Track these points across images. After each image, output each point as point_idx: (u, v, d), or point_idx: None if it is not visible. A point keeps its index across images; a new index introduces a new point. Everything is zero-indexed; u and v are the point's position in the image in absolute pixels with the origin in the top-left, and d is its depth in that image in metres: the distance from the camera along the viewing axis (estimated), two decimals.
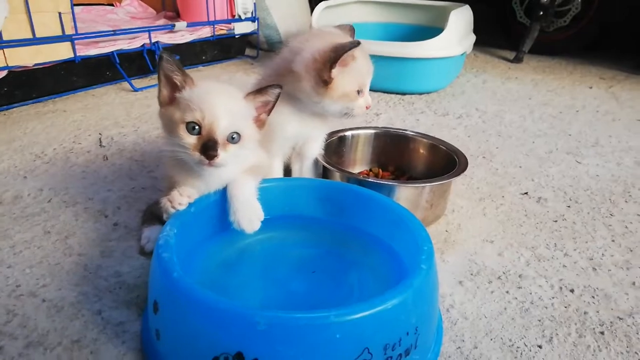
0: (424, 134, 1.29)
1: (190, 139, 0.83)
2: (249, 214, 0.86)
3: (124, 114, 1.81)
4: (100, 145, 1.53)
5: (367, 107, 1.04)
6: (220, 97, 0.83)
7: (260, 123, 0.90)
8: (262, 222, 0.93)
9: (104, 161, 1.42)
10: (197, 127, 0.81)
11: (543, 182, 1.43)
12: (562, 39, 3.26)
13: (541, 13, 3.05)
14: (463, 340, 0.82)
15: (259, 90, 0.87)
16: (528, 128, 1.90)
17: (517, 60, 3.10)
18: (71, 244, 1.04)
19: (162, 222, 1.04)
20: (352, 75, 0.99)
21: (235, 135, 0.83)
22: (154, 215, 1.07)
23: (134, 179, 1.33)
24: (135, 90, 2.09)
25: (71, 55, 1.91)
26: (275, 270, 0.90)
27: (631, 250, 1.10)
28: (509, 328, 0.85)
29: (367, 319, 0.63)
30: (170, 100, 0.86)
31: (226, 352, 0.62)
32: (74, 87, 2.01)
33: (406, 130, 1.33)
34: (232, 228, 0.90)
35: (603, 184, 1.44)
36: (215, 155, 0.81)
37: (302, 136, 1.08)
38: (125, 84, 2.13)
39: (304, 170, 1.15)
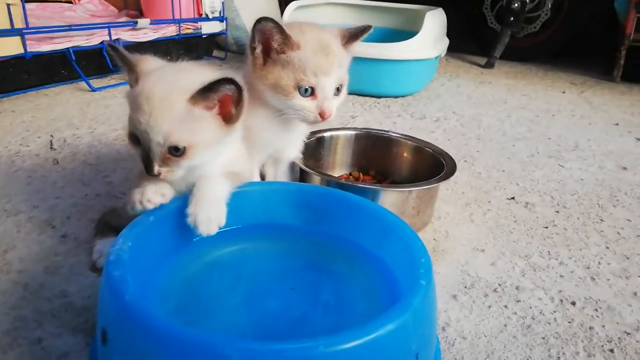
0: (408, 136, 1.20)
1: (136, 150, 0.73)
2: (209, 213, 0.73)
3: (79, 115, 1.66)
4: (51, 148, 1.38)
5: (321, 115, 0.87)
6: (155, 102, 0.68)
7: (227, 116, 0.74)
8: (234, 231, 0.83)
9: (53, 165, 1.28)
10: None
11: (528, 187, 1.37)
12: (532, 45, 3.27)
13: (512, 19, 3.05)
14: None
15: (208, 88, 0.69)
16: (507, 131, 1.85)
17: (489, 65, 3.09)
18: (10, 259, 0.90)
19: (118, 233, 0.92)
20: (290, 65, 0.85)
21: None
22: (108, 226, 0.95)
23: (87, 185, 1.19)
24: (93, 90, 1.93)
25: (21, 50, 1.75)
26: (249, 287, 0.79)
27: (627, 258, 1.04)
28: (511, 348, 0.76)
29: (362, 348, 0.52)
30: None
31: None
32: (25, 85, 1.84)
33: (388, 131, 1.24)
34: (197, 240, 0.79)
35: (589, 188, 1.39)
36: (153, 175, 0.71)
37: (280, 141, 0.97)
38: (82, 84, 1.98)
39: (278, 174, 1.04)
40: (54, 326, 0.75)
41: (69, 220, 1.04)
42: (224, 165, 0.80)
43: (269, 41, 0.84)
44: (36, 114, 1.64)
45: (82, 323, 0.76)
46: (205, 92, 0.69)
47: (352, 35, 0.92)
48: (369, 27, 0.94)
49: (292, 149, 1.02)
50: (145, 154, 0.70)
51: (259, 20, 0.82)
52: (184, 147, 0.70)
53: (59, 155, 1.33)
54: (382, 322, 0.55)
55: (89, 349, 0.70)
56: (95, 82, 2.01)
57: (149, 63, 0.75)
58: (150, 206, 0.72)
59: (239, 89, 0.71)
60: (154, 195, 0.72)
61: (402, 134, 1.22)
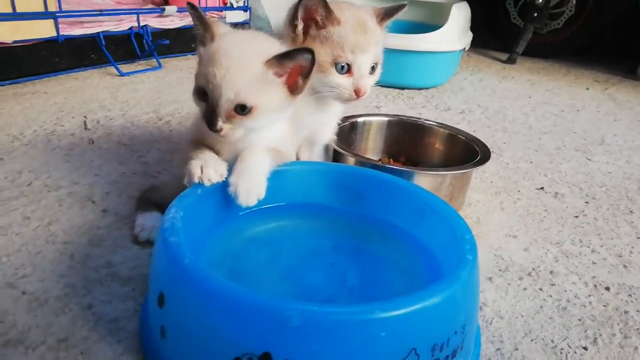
0: (441, 123, 1.21)
1: (200, 105, 0.76)
2: (250, 185, 0.75)
3: (110, 98, 1.69)
4: (85, 128, 1.41)
5: (356, 92, 0.87)
6: (234, 59, 0.72)
7: (293, 87, 0.77)
8: (273, 209, 0.85)
9: (89, 145, 1.31)
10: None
11: (557, 178, 1.37)
12: (555, 42, 3.24)
13: (535, 15, 3.03)
14: (502, 342, 0.73)
15: (286, 55, 0.73)
16: (532, 125, 1.84)
17: (511, 61, 3.07)
18: (54, 230, 0.93)
19: (159, 209, 0.95)
20: (329, 41, 0.85)
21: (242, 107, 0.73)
22: (149, 202, 0.97)
23: (124, 164, 1.21)
24: (122, 74, 1.96)
25: (54, 34, 1.78)
26: (289, 262, 0.81)
27: None
28: (548, 328, 0.77)
29: (416, 315, 0.54)
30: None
31: (250, 353, 0.52)
32: (56, 68, 1.87)
33: (420, 118, 1.25)
34: (239, 215, 0.82)
35: (617, 181, 1.39)
36: (216, 130, 0.73)
37: (317, 122, 0.98)
38: (111, 69, 2.00)
39: (313, 156, 1.06)
40: (102, 293, 0.77)
41: (109, 195, 1.06)
42: (271, 141, 0.82)
43: (313, 16, 0.85)
44: (68, 96, 1.67)
45: (130, 291, 0.78)
46: (282, 58, 0.72)
47: (387, 13, 0.94)
48: (403, 5, 0.95)
49: (326, 130, 1.03)
50: (212, 109, 0.72)
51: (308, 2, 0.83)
52: (251, 107, 0.73)
53: (93, 135, 1.36)
54: (434, 291, 0.56)
55: (139, 315, 0.72)
56: (123, 67, 2.03)
57: (222, 26, 0.78)
58: (208, 184, 0.74)
59: (313, 60, 0.73)
60: (214, 174, 0.74)
61: (435, 121, 1.23)
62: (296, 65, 0.74)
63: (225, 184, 0.78)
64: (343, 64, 0.87)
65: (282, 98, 0.77)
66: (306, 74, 0.76)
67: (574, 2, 3.06)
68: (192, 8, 0.76)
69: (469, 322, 0.61)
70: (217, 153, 0.81)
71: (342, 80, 0.87)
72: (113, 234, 0.93)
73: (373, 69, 0.91)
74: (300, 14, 0.85)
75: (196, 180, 0.74)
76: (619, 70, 2.99)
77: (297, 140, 1.01)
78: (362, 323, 0.52)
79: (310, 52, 0.73)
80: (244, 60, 0.73)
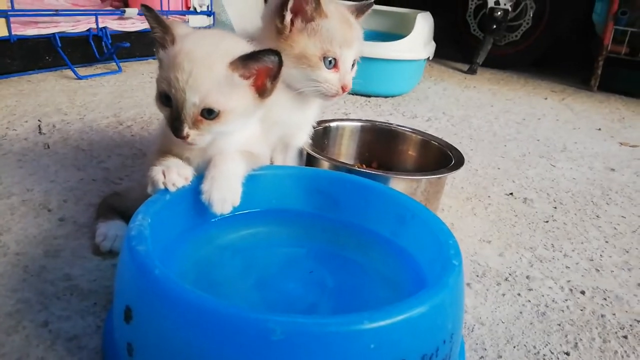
0: (414, 129, 1.20)
1: (164, 111, 0.72)
2: (224, 192, 0.71)
3: (66, 101, 1.60)
4: (39, 132, 1.33)
5: (342, 88, 0.86)
6: (196, 62, 0.68)
7: (261, 89, 0.73)
8: (246, 215, 0.81)
9: (44, 149, 1.22)
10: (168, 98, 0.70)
11: (524, 184, 1.38)
12: (513, 53, 3.34)
13: (494, 27, 3.11)
14: (485, 349, 0.72)
15: (251, 56, 0.70)
16: (497, 132, 1.87)
17: (472, 71, 3.14)
18: (6, 241, 0.85)
19: (123, 217, 0.89)
20: (317, 35, 0.83)
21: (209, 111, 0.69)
22: (111, 209, 0.91)
23: (82, 170, 1.14)
24: (80, 77, 1.87)
25: (6, 33, 1.68)
26: (264, 270, 0.76)
27: (627, 252, 1.06)
28: (529, 334, 0.76)
29: (405, 324, 0.51)
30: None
31: None
32: (8, 70, 1.77)
33: (392, 124, 1.24)
34: (210, 222, 0.77)
35: (581, 186, 1.42)
36: (182, 136, 0.69)
37: (292, 123, 0.95)
38: (68, 72, 1.91)
39: (287, 160, 1.02)
40: (60, 309, 0.71)
41: (66, 203, 0.99)
42: (242, 144, 0.78)
43: (302, 7, 0.82)
44: (21, 99, 1.57)
45: (91, 306, 0.72)
46: (247, 60, 0.69)
47: (359, 10, 0.93)
48: (372, 3, 0.94)
49: (302, 132, 1.00)
50: (176, 115, 0.68)
51: None
52: (218, 111, 0.69)
53: (49, 140, 1.28)
54: (423, 299, 0.54)
55: (101, 331, 0.66)
56: (81, 70, 1.94)
57: (182, 27, 0.74)
58: (173, 189, 0.69)
59: (280, 62, 0.70)
60: (178, 178, 0.70)
61: (408, 127, 1.22)
62: (263, 67, 0.71)
63: (195, 189, 0.74)
64: (331, 59, 0.85)
65: (250, 101, 0.73)
66: (274, 75, 0.73)
67: (531, 15, 3.17)
68: (147, 10, 0.70)
69: (456, 330, 0.59)
70: (187, 162, 0.77)
71: (330, 76, 0.85)
72: (71, 244, 0.86)
73: (352, 65, 0.89)
74: (290, 5, 0.82)
75: (161, 186, 0.69)
76: (574, 81, 3.10)
77: (272, 143, 0.98)
78: (350, 334, 0.49)
79: (277, 54, 0.70)
80: (207, 62, 0.69)
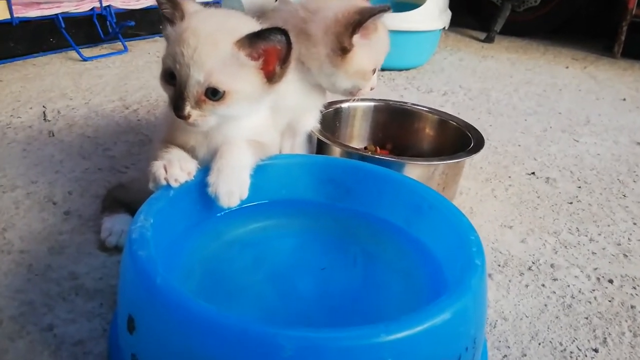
0: (430, 108, 1.14)
1: (168, 90, 0.68)
2: (231, 184, 0.67)
3: (71, 85, 1.57)
4: (44, 119, 1.30)
5: (371, 89, 0.89)
6: (202, 38, 0.64)
7: (271, 74, 0.69)
8: (255, 207, 0.77)
9: (49, 137, 1.20)
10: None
11: (547, 162, 1.32)
12: (532, 20, 3.20)
13: None
14: (508, 347, 0.68)
15: (257, 34, 0.65)
16: (517, 106, 1.80)
17: (489, 40, 3.02)
18: (10, 238, 0.83)
19: (128, 210, 0.86)
20: (373, 50, 0.83)
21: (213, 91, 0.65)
22: (116, 202, 0.88)
23: (87, 159, 1.11)
24: (84, 59, 1.83)
25: (7, 16, 1.64)
26: (274, 268, 0.73)
27: None
28: (555, 329, 0.72)
29: (425, 335, 0.47)
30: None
31: None
32: (12, 54, 1.73)
33: (407, 103, 1.18)
34: (217, 217, 0.74)
35: (606, 163, 1.35)
36: (183, 115, 0.65)
37: (300, 108, 0.90)
38: (72, 53, 1.87)
39: (295, 147, 0.98)
40: (65, 311, 0.68)
41: (71, 195, 0.96)
42: (251, 132, 0.74)
43: (369, 26, 0.80)
44: (25, 84, 1.54)
45: (97, 307, 0.70)
46: (253, 39, 0.65)
47: None
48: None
49: (310, 117, 0.95)
50: (179, 93, 0.65)
51: (371, 12, 0.78)
52: (223, 92, 0.65)
53: (54, 127, 1.25)
54: (444, 305, 0.50)
55: (107, 335, 0.64)
56: (86, 52, 1.90)
57: (191, 4, 0.70)
58: (176, 185, 0.66)
59: (288, 43, 0.66)
60: (180, 173, 0.66)
61: (423, 106, 1.16)
62: (270, 48, 0.67)
63: (200, 182, 0.70)
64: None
65: (257, 85, 0.69)
66: (283, 59, 0.68)
67: None
68: None
69: (479, 334, 0.56)
70: (192, 151, 0.73)
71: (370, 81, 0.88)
72: (76, 239, 0.84)
73: None
74: (367, 23, 0.79)
75: (162, 182, 0.65)
76: (596, 48, 2.97)
77: (280, 127, 0.94)
78: (365, 348, 0.45)
79: (284, 32, 0.65)
80: (212, 39, 0.65)
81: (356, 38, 0.79)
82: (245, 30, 0.66)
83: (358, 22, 0.77)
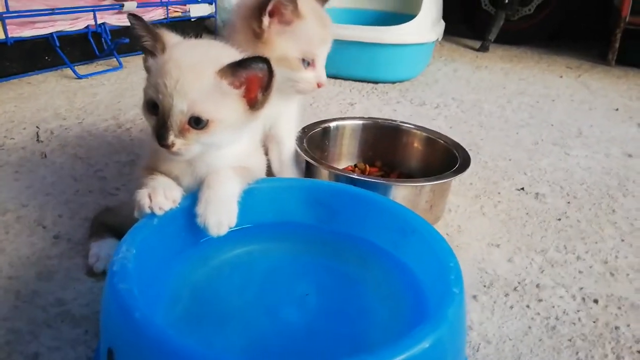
0: (419, 126, 1.15)
1: (151, 120, 0.69)
2: (220, 214, 0.69)
3: (65, 104, 1.58)
4: (37, 140, 1.31)
5: (318, 85, 0.87)
6: (184, 69, 0.65)
7: (253, 101, 0.70)
8: (241, 232, 0.78)
9: (41, 159, 1.21)
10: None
11: (536, 176, 1.33)
12: (526, 28, 3.22)
13: (506, 1, 2.99)
14: None
15: (239, 63, 0.67)
16: (509, 118, 1.81)
17: (484, 49, 3.04)
18: None
19: (115, 234, 0.87)
20: (295, 37, 0.83)
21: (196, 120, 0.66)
22: (104, 226, 0.89)
23: (79, 180, 1.12)
24: (79, 77, 1.84)
25: (2, 36, 1.65)
26: (261, 292, 0.74)
27: None
28: (538, 352, 0.73)
29: None
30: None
31: None
32: (6, 73, 1.74)
33: (395, 120, 1.19)
34: (202, 241, 0.74)
35: (597, 177, 1.36)
36: (167, 144, 0.66)
37: (272, 114, 0.92)
38: (67, 71, 1.88)
39: (283, 157, 0.99)
40: (50, 338, 0.69)
41: (61, 219, 0.97)
42: (235, 159, 0.75)
43: (280, 10, 0.81)
44: (20, 104, 1.55)
45: (82, 334, 0.70)
46: (235, 67, 0.66)
47: None
48: None
49: (287, 122, 0.98)
50: (162, 122, 0.66)
51: None
52: (207, 121, 0.66)
53: (46, 149, 1.26)
54: (419, 336, 0.50)
55: None
56: (81, 69, 1.92)
57: (172, 36, 0.72)
58: (160, 213, 0.67)
59: (270, 71, 0.67)
60: (165, 201, 0.67)
61: (411, 124, 1.17)
62: (252, 76, 0.68)
63: (185, 209, 0.71)
64: (309, 60, 0.85)
65: (240, 113, 0.70)
66: (265, 86, 0.70)
67: None
68: (136, 19, 0.68)
69: None
70: (176, 180, 0.74)
71: (308, 75, 0.86)
72: (65, 264, 0.84)
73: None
74: (269, 8, 0.80)
75: (147, 210, 0.66)
76: (590, 55, 2.98)
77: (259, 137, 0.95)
78: None
79: (266, 61, 0.66)
80: (195, 69, 0.66)
81: (268, 22, 0.81)
82: (226, 60, 0.67)
83: (263, 3, 0.79)
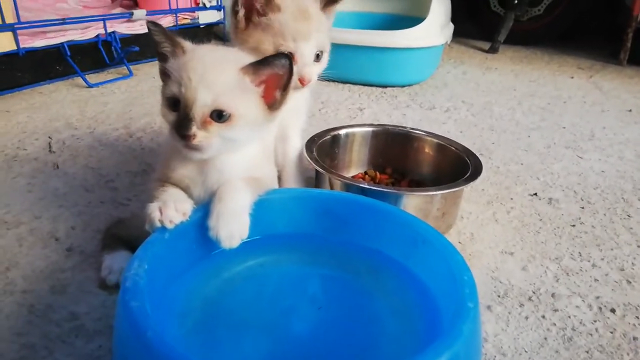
0: (429, 132, 1.14)
1: (171, 116, 0.70)
2: (231, 227, 0.69)
3: (77, 114, 1.59)
4: (50, 150, 1.32)
5: (300, 81, 0.87)
6: (208, 65, 0.68)
7: (271, 101, 0.72)
8: (252, 243, 0.78)
9: (54, 170, 1.21)
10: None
11: (549, 181, 1.31)
12: (536, 28, 3.20)
13: (516, 2, 2.97)
14: None
15: (262, 61, 0.69)
16: (520, 121, 1.79)
17: (493, 50, 3.01)
18: (13, 277, 0.84)
19: (127, 246, 0.87)
20: (270, 29, 0.84)
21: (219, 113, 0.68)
22: (116, 238, 0.89)
23: (90, 191, 1.13)
24: (90, 86, 1.86)
25: (14, 47, 1.67)
26: (272, 305, 0.73)
27: None
28: None
29: None
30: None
31: None
32: (19, 83, 1.76)
33: (405, 127, 1.18)
34: (214, 253, 0.74)
35: (611, 180, 1.34)
36: (188, 135, 0.66)
37: None
38: (78, 80, 1.90)
39: (288, 152, 1.00)
40: (64, 354, 0.69)
41: (74, 230, 0.98)
42: (246, 167, 0.75)
43: (253, 3, 0.83)
44: (32, 114, 1.57)
45: (96, 349, 0.70)
46: (258, 65, 0.69)
47: (326, 3, 0.91)
48: None
49: (293, 118, 0.99)
50: (185, 115, 0.67)
51: None
52: (229, 115, 0.67)
53: (58, 159, 1.27)
54: (433, 355, 0.50)
55: None
56: (92, 78, 1.93)
57: (189, 43, 0.73)
58: (171, 226, 0.67)
59: (290, 68, 0.69)
60: (175, 214, 0.68)
61: (422, 130, 1.16)
62: (273, 75, 0.70)
63: (196, 222, 0.71)
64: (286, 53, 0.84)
65: (260, 110, 0.72)
66: (284, 85, 0.71)
67: None
68: (155, 25, 0.69)
69: None
70: (186, 190, 0.74)
71: None
72: (78, 277, 0.85)
73: (318, 56, 0.89)
74: (241, 0, 0.83)
75: (157, 224, 0.67)
76: (602, 55, 2.95)
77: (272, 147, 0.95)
78: None
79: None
80: (219, 65, 0.69)
81: (243, 13, 0.84)
82: (246, 61, 0.70)
83: None
